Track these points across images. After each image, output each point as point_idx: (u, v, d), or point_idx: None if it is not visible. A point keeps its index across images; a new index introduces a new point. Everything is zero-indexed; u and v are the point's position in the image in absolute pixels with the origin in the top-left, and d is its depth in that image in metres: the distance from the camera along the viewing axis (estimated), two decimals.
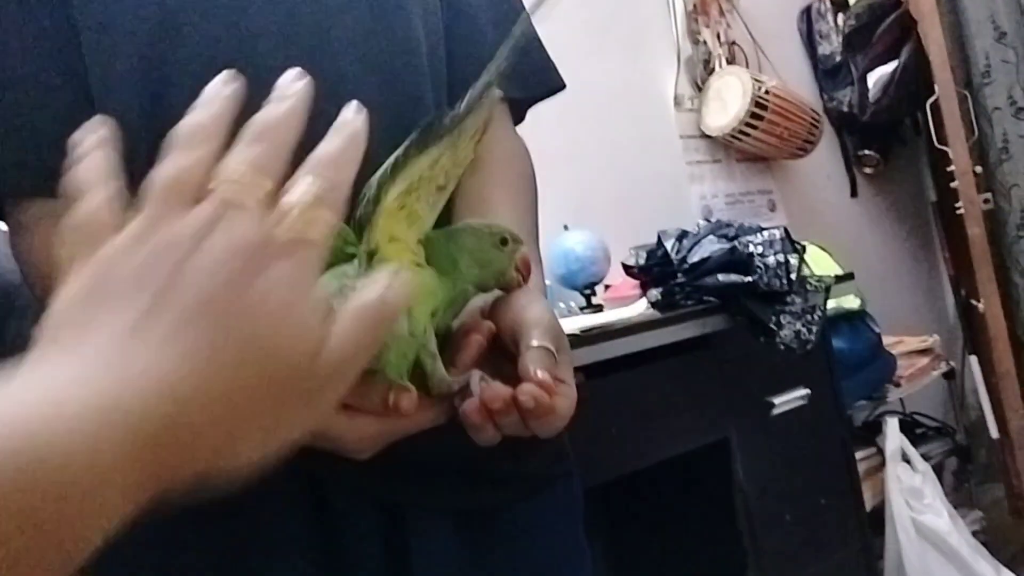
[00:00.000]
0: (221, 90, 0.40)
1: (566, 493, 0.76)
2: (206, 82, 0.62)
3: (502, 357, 0.58)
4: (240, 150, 0.37)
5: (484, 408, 0.53)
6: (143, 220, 0.36)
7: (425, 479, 0.63)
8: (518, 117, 0.83)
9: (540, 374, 0.53)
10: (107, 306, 0.34)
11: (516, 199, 0.74)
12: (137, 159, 0.63)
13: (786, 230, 1.70)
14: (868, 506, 2.05)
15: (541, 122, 0.87)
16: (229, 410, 0.34)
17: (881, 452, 2.24)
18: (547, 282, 1.90)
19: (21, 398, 0.30)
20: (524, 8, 0.83)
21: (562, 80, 0.83)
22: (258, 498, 0.63)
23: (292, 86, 0.40)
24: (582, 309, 1.91)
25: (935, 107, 2.60)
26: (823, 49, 2.93)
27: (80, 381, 0.31)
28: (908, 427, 2.48)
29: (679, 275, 1.70)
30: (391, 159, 0.53)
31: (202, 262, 0.34)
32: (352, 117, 0.41)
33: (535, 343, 0.55)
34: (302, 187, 0.37)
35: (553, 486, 0.74)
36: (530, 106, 0.85)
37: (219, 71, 0.62)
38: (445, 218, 0.67)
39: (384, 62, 0.68)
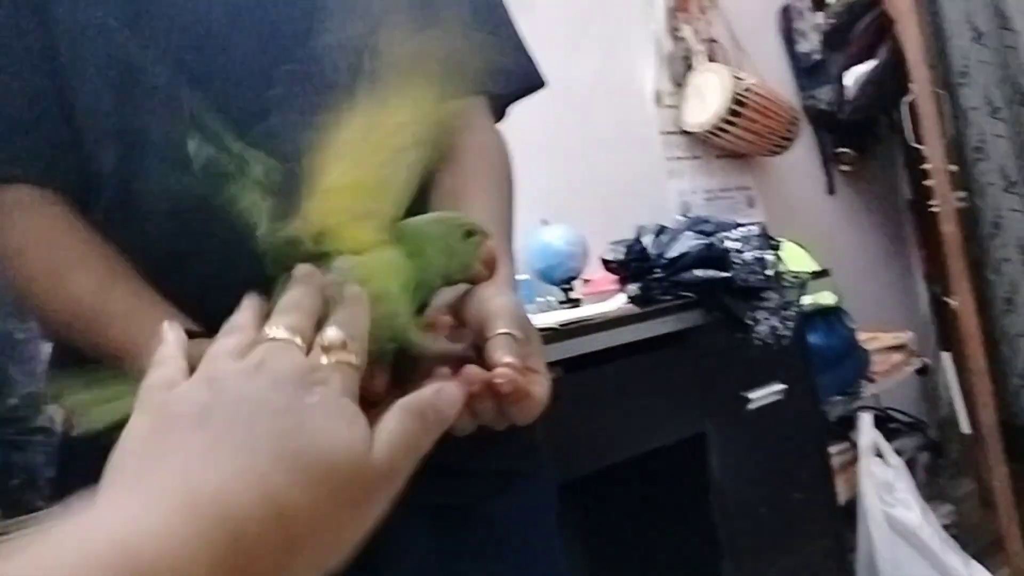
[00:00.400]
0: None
1: (537, 488, 0.76)
2: (174, 65, 0.62)
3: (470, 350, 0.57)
4: (285, 315, 0.43)
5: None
6: (200, 371, 0.41)
7: None
8: (499, 114, 0.83)
9: (508, 359, 0.52)
10: (170, 442, 0.37)
11: (489, 192, 0.74)
12: (106, 145, 0.64)
13: (763, 227, 1.72)
14: (841, 500, 2.08)
15: (520, 116, 0.88)
16: (287, 522, 0.35)
17: (855, 447, 2.27)
18: (525, 276, 1.91)
19: (93, 542, 0.32)
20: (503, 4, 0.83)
21: (542, 77, 0.84)
22: None
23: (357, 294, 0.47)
24: (560, 303, 1.92)
25: (911, 106, 2.63)
26: (801, 47, 2.95)
27: (168, 498, 0.34)
28: (882, 422, 2.51)
29: (657, 270, 1.71)
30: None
31: (255, 393, 0.38)
32: (356, 292, 0.47)
33: (500, 330, 0.54)
34: (330, 332, 0.43)
35: (523, 481, 0.74)
36: (510, 103, 0.85)
37: (188, 62, 0.62)
38: (419, 210, 0.68)
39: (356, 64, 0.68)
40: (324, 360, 0.41)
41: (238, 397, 0.38)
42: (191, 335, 0.55)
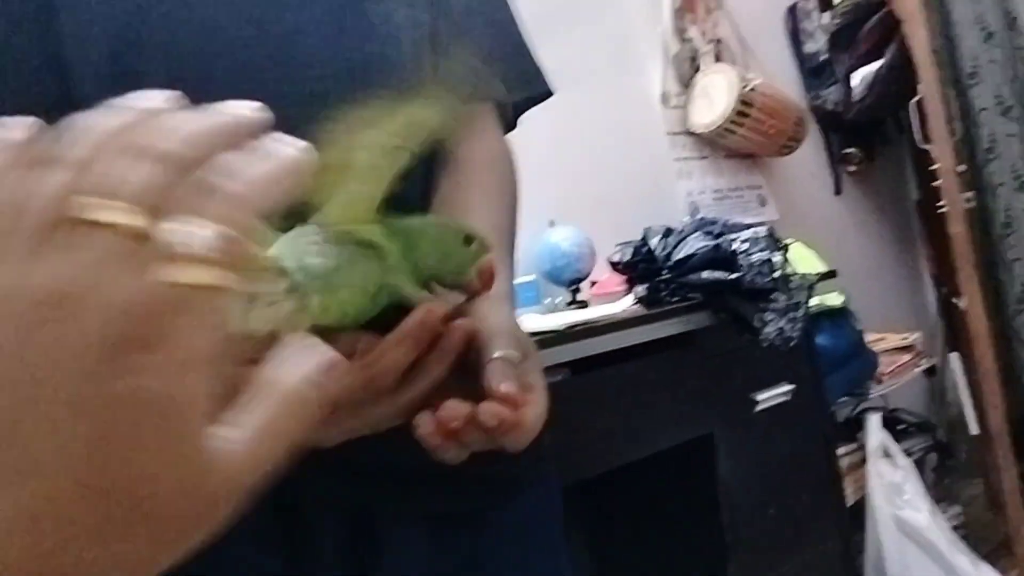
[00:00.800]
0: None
1: (544, 496, 0.74)
2: (174, 71, 0.62)
3: (464, 370, 0.55)
4: (109, 163, 0.26)
5: (442, 428, 0.50)
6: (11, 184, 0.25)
7: (395, 483, 0.61)
8: (507, 123, 0.82)
9: (504, 387, 0.50)
10: None
11: (491, 202, 0.72)
12: None
13: (770, 228, 1.72)
14: (849, 501, 2.07)
15: (527, 118, 0.87)
16: (80, 564, 0.25)
17: (863, 448, 2.26)
18: (532, 277, 1.91)
19: None
20: (511, 9, 0.83)
21: (550, 86, 0.83)
22: None
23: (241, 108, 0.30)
24: (568, 305, 1.92)
25: (919, 106, 2.62)
26: (808, 47, 2.95)
27: None
28: (890, 423, 2.51)
29: (664, 272, 1.71)
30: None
31: (41, 361, 0.24)
32: (292, 145, 0.29)
33: (497, 354, 0.52)
34: (192, 233, 0.25)
35: (529, 488, 0.72)
36: (520, 113, 0.84)
37: (186, 63, 0.62)
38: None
39: (357, 59, 0.67)
40: (163, 282, 0.25)
41: (6, 376, 0.24)
42: None
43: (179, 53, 0.64)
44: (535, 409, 0.52)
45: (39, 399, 0.24)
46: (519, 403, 0.50)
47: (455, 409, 0.50)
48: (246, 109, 0.29)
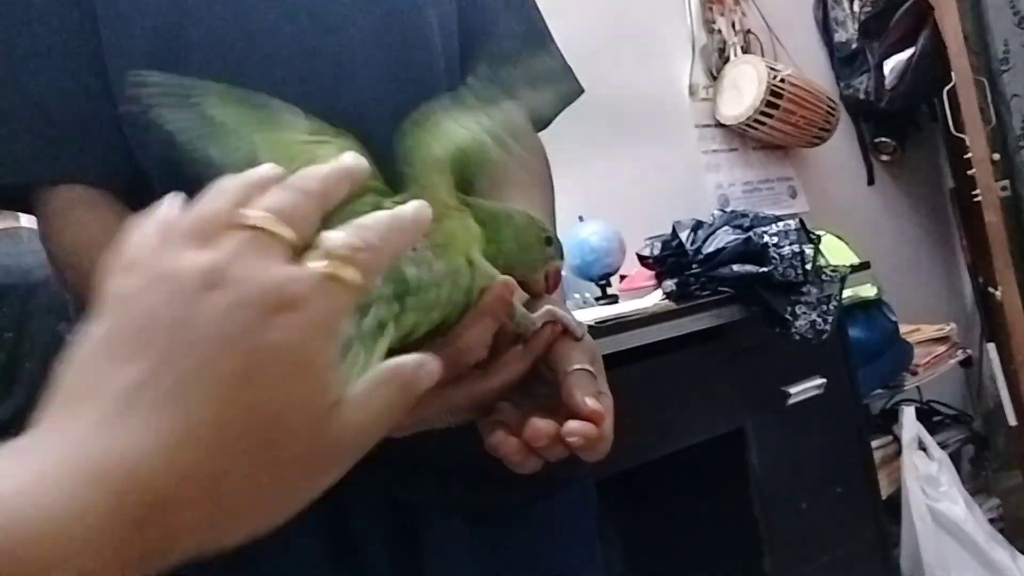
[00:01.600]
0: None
1: (580, 493, 0.75)
2: (216, 67, 0.63)
3: (531, 378, 0.55)
4: (272, 194, 0.35)
5: (526, 447, 0.50)
6: (157, 254, 0.33)
7: (438, 478, 0.62)
8: (538, 123, 0.82)
9: (590, 403, 0.50)
10: (112, 365, 0.31)
11: (531, 201, 0.72)
12: (149, 146, 0.65)
13: (801, 220, 1.71)
14: (884, 494, 2.06)
15: None
16: (222, 486, 0.31)
17: (897, 440, 2.24)
18: (563, 273, 1.91)
19: (9, 467, 0.29)
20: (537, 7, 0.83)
21: (580, 85, 0.83)
22: None
23: (352, 160, 0.38)
24: (597, 300, 1.92)
25: (952, 94, 2.58)
26: (839, 36, 2.91)
27: (69, 449, 0.29)
28: (925, 415, 2.48)
29: (694, 266, 1.70)
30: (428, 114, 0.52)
31: (208, 313, 0.31)
32: (414, 209, 0.38)
33: (576, 366, 0.52)
34: (334, 233, 0.34)
35: (564, 487, 0.73)
36: (554, 113, 0.83)
37: (227, 65, 0.63)
38: None
39: (397, 58, 0.68)
40: (312, 268, 0.33)
41: (180, 318, 0.31)
42: None
43: (221, 50, 0.64)
44: (610, 421, 0.52)
45: (202, 340, 0.31)
46: (602, 418, 0.50)
47: (541, 428, 0.49)
48: (354, 160, 0.38)
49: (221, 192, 0.35)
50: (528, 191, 0.74)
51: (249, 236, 0.33)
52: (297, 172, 0.36)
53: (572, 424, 0.49)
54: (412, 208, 0.38)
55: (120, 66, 0.65)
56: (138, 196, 0.66)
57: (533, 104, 0.78)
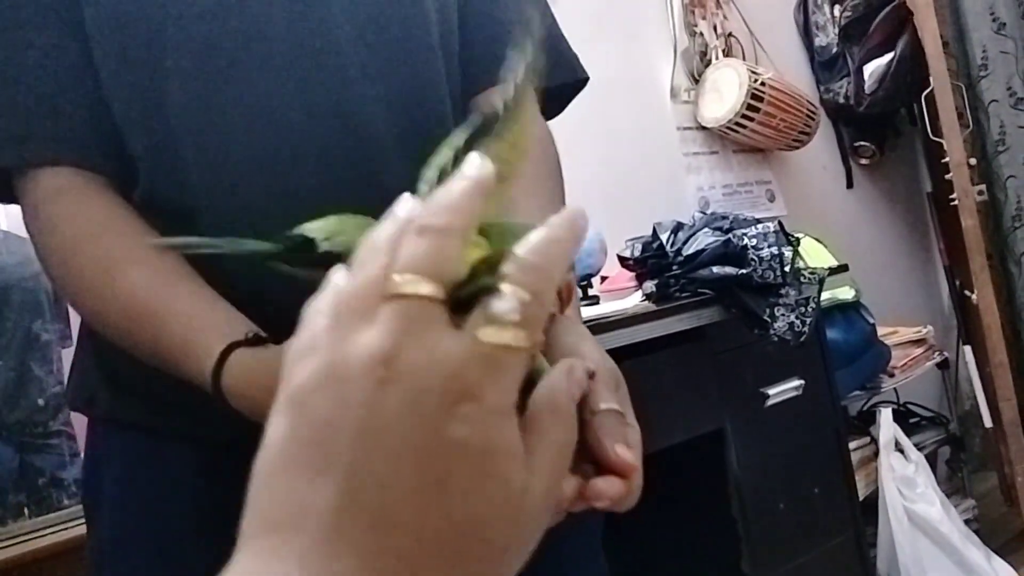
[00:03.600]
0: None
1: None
2: (197, 63, 0.62)
3: None
4: (412, 243, 0.31)
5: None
6: (328, 337, 0.31)
7: None
8: (546, 110, 0.81)
9: (620, 452, 0.44)
10: (304, 483, 0.30)
11: (545, 197, 0.70)
12: (135, 130, 0.63)
13: (780, 223, 1.72)
14: (861, 495, 2.07)
15: None
16: None
17: (875, 441, 2.26)
18: None
19: None
20: None
21: (586, 73, 0.83)
22: None
23: (478, 166, 0.34)
24: (578, 301, 1.93)
25: (930, 99, 2.61)
26: (819, 41, 2.94)
27: None
28: (902, 417, 2.51)
29: (674, 267, 1.71)
30: (449, 151, 0.46)
31: (388, 417, 0.29)
32: (569, 217, 0.34)
33: (603, 405, 0.46)
34: (500, 306, 0.30)
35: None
36: (563, 101, 0.83)
37: (218, 60, 0.62)
38: None
39: (396, 55, 0.67)
40: (482, 344, 0.30)
41: (361, 424, 0.29)
42: (258, 341, 0.55)
43: (204, 42, 0.63)
44: (639, 467, 0.46)
45: (387, 448, 0.29)
46: (632, 471, 0.44)
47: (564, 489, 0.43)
48: (479, 168, 0.34)
49: (371, 254, 0.32)
50: (537, 185, 0.71)
51: (405, 307, 0.30)
52: (430, 203, 0.32)
53: (599, 485, 0.43)
54: (565, 218, 0.34)
55: (105, 47, 0.63)
56: (128, 181, 0.65)
57: (542, 84, 0.78)
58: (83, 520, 1.28)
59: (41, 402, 1.47)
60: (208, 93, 0.62)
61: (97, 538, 0.70)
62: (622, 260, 1.89)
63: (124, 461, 0.68)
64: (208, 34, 0.63)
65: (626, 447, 0.44)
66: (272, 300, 0.56)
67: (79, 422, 1.52)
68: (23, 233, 1.56)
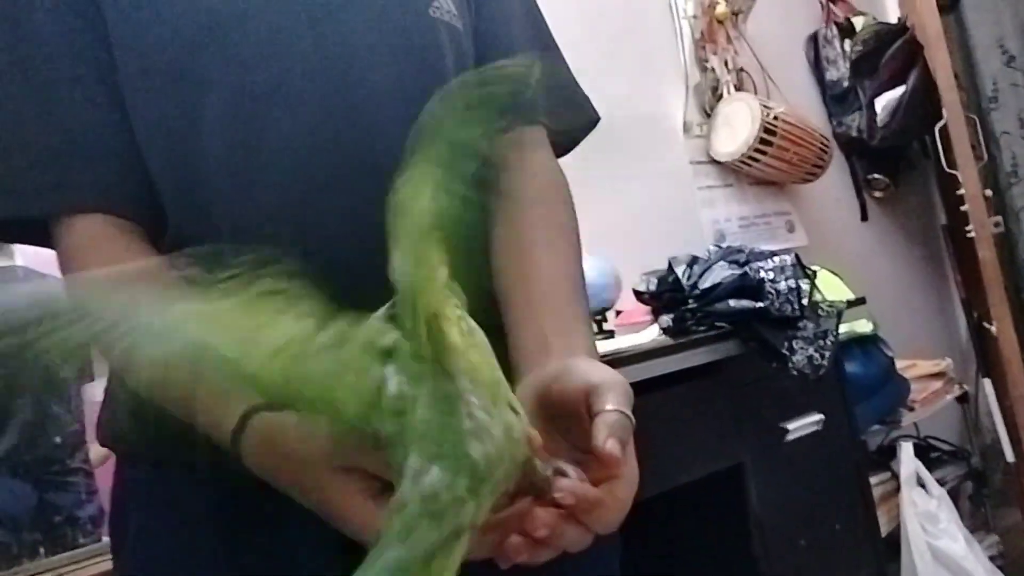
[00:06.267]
0: None
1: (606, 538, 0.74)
2: (230, 105, 0.62)
3: (570, 426, 0.52)
4: None
5: (529, 541, 0.46)
6: None
7: None
8: (560, 152, 0.81)
9: (610, 444, 0.47)
10: None
11: (557, 247, 0.69)
12: (165, 176, 0.64)
13: (797, 256, 1.71)
14: (883, 531, 2.04)
15: None
16: None
17: (896, 476, 2.23)
18: None
19: None
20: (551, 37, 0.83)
21: (597, 113, 0.84)
22: (284, 532, 0.63)
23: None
24: (594, 335, 1.92)
25: (943, 131, 2.61)
26: (831, 75, 2.95)
27: None
28: (923, 451, 2.47)
29: (690, 301, 1.70)
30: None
31: None
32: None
33: (610, 406, 0.49)
34: None
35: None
36: (574, 142, 0.83)
37: (247, 107, 0.63)
38: (482, 259, 0.65)
39: (416, 94, 0.67)
40: None
41: None
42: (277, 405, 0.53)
43: (238, 78, 0.63)
44: (628, 486, 0.49)
45: None
46: (618, 464, 0.47)
47: (541, 517, 0.46)
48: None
49: None
50: (553, 236, 0.71)
51: None
52: None
53: (563, 482, 0.45)
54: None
55: (136, 91, 0.64)
56: (157, 227, 0.65)
57: (554, 132, 0.78)
58: (98, 558, 1.28)
59: (59, 440, 1.47)
60: (238, 139, 0.63)
61: (122, 572, 0.69)
62: (637, 294, 1.88)
63: (150, 498, 0.68)
64: (238, 83, 0.63)
65: (619, 444, 0.46)
66: None
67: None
68: (42, 269, 1.57)
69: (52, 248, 0.67)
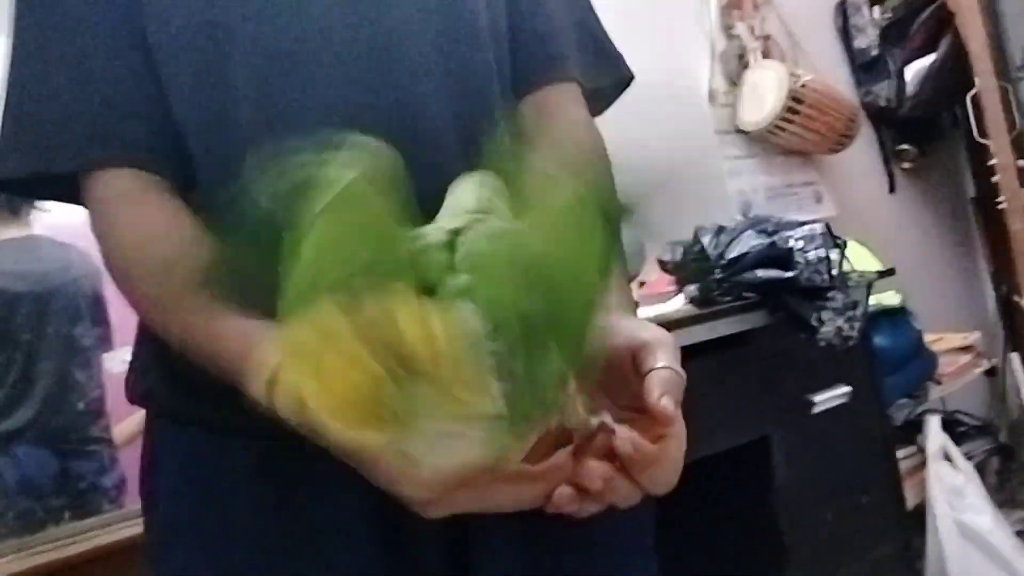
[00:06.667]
0: None
1: (638, 509, 0.73)
2: (262, 67, 0.62)
3: (613, 384, 0.52)
4: None
5: (580, 492, 0.47)
6: None
7: None
8: (594, 111, 0.80)
9: (664, 400, 0.47)
10: None
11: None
12: (193, 129, 0.63)
13: (827, 225, 1.68)
14: (909, 505, 2.02)
15: None
16: None
17: (922, 451, 2.20)
18: None
19: None
20: None
21: (631, 72, 0.82)
22: (316, 497, 0.62)
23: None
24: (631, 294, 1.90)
25: (975, 100, 2.55)
26: (859, 43, 2.89)
27: None
28: (949, 425, 2.44)
29: (716, 271, 1.68)
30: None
31: None
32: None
33: (661, 363, 0.49)
34: None
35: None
36: (609, 101, 0.83)
37: (281, 64, 0.62)
38: None
39: (450, 51, 0.67)
40: None
41: None
42: None
43: (267, 47, 0.63)
44: (677, 441, 0.48)
45: None
46: (670, 420, 0.46)
47: (594, 469, 0.46)
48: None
49: None
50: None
51: None
52: None
53: (624, 433, 0.45)
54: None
55: (167, 48, 0.64)
56: (186, 182, 0.65)
57: (588, 83, 0.77)
58: (122, 523, 1.28)
59: (81, 407, 1.47)
60: (270, 96, 0.62)
61: (153, 532, 0.69)
62: (662, 264, 1.86)
63: (181, 455, 0.67)
64: (272, 39, 0.63)
65: (672, 401, 0.46)
66: None
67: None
68: (63, 239, 1.57)
69: (80, 204, 0.67)
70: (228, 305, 0.59)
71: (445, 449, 0.41)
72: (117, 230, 0.63)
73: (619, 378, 0.51)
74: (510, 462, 0.44)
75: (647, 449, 0.46)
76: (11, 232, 1.53)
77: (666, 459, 0.48)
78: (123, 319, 1.56)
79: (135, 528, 1.18)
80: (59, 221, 1.53)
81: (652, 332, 0.52)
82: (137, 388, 0.70)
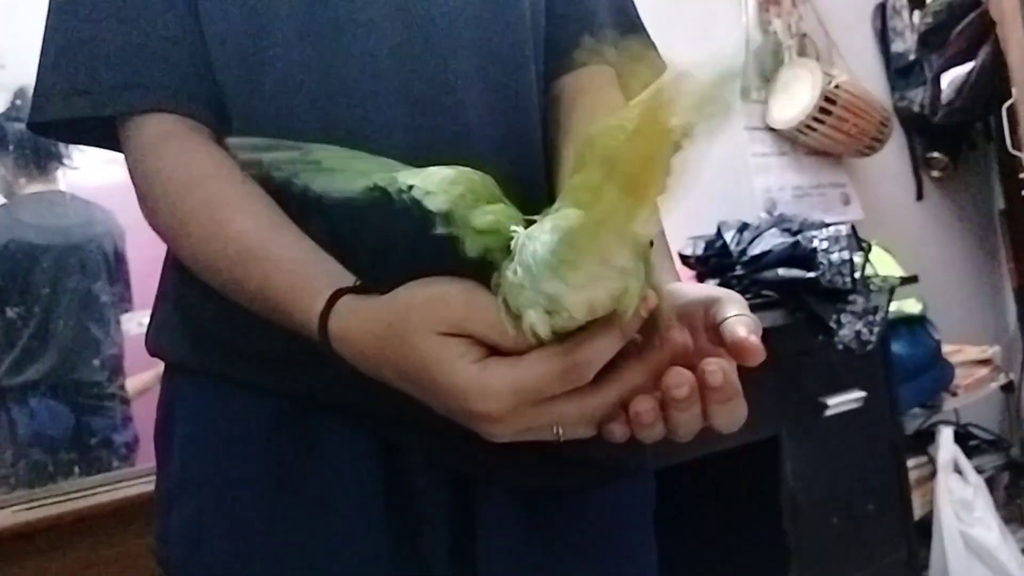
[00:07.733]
0: None
1: (639, 486, 0.73)
2: (306, 26, 0.62)
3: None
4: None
5: (663, 399, 0.48)
6: None
7: (497, 453, 0.58)
8: None
9: (753, 339, 0.48)
10: None
11: None
12: (232, 71, 0.63)
13: (853, 227, 1.66)
14: (916, 515, 2.01)
15: None
16: None
17: (932, 461, 2.19)
18: None
19: None
20: None
21: (664, 62, 0.81)
22: (328, 461, 0.62)
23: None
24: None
25: (1010, 111, 2.52)
26: (896, 47, 2.86)
27: None
28: (962, 438, 2.43)
29: (738, 267, 1.67)
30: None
31: None
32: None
33: (734, 312, 0.51)
34: None
35: (626, 476, 0.71)
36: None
37: (322, 20, 0.61)
38: (548, 190, 0.66)
39: (490, 36, 0.66)
40: None
41: None
42: (365, 289, 0.55)
43: (314, 33, 0.62)
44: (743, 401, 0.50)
45: None
46: (759, 355, 0.48)
47: (683, 375, 0.48)
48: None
49: None
50: None
51: None
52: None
53: (713, 359, 0.47)
54: None
55: (210, 9, 0.64)
56: (221, 125, 0.65)
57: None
58: (131, 481, 1.29)
59: (97, 363, 1.48)
60: (310, 51, 0.62)
61: (166, 483, 0.69)
62: (683, 258, 1.85)
63: (197, 406, 0.67)
64: (322, 27, 0.62)
65: (755, 336, 0.49)
66: (366, 251, 0.58)
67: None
68: (86, 196, 1.58)
69: (116, 150, 0.67)
70: (279, 236, 0.60)
71: (593, 286, 0.43)
72: (162, 173, 0.63)
73: (690, 331, 0.52)
74: (634, 316, 0.46)
75: (735, 380, 0.48)
76: (36, 187, 1.54)
77: (740, 402, 0.50)
78: (142, 281, 1.57)
79: (144, 487, 1.19)
80: (84, 179, 1.54)
81: (724, 291, 0.54)
82: (157, 339, 0.71)
